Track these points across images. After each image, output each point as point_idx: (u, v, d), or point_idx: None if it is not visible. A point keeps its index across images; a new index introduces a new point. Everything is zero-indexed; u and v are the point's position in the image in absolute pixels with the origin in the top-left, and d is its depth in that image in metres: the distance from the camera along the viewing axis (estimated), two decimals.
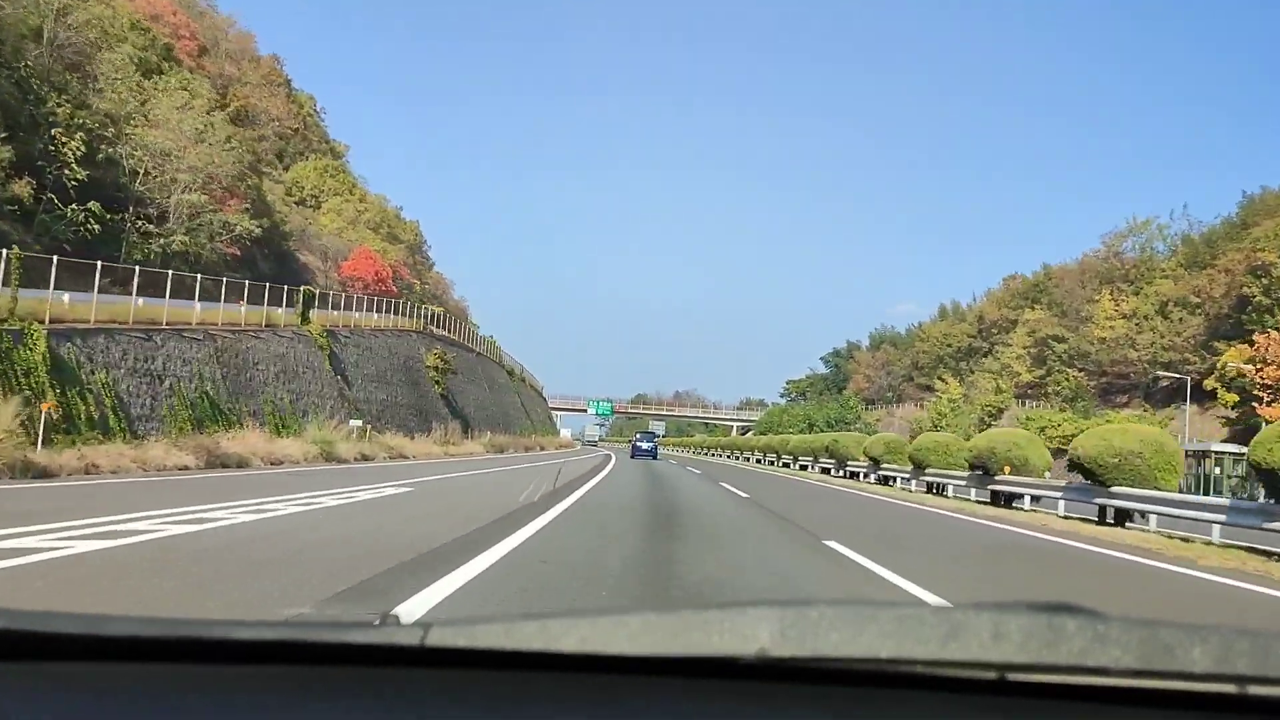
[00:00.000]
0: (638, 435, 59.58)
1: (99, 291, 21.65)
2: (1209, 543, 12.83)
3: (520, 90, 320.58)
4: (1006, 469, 20.39)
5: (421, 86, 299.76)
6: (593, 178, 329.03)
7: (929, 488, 26.53)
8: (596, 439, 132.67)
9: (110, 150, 30.10)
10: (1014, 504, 20.48)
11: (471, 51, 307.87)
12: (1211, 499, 16.21)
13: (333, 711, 0.86)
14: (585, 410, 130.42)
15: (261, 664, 0.90)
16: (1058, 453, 55.62)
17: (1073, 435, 53.36)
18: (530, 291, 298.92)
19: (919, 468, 26.27)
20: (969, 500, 22.62)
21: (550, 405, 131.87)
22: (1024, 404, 69.16)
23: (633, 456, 49.64)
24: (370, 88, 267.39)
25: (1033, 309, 77.77)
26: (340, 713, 0.86)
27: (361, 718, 0.85)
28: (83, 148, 27.66)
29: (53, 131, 27.44)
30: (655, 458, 50.73)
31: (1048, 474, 20.78)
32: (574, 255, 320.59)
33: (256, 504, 11.49)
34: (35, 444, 15.59)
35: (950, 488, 24.71)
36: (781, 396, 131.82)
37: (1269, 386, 44.61)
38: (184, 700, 0.87)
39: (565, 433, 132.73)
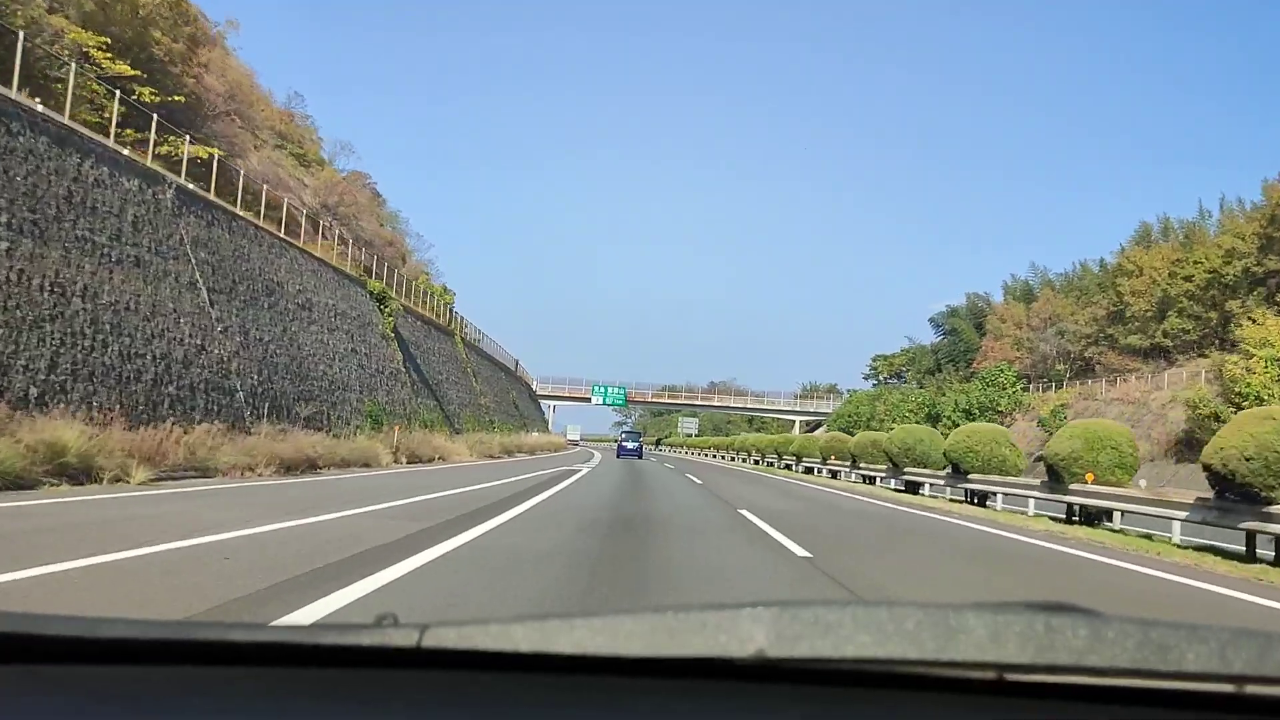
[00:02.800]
0: (622, 435, 62.94)
1: None
2: None
3: (541, 76, 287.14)
4: None
5: (429, 77, 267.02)
6: (615, 169, 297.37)
7: None
8: (579, 438, 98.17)
9: None
10: None
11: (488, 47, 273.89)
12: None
13: (328, 713, 0.86)
14: (590, 400, 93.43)
15: (256, 666, 0.89)
16: None
17: None
18: (543, 283, 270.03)
19: None
20: None
21: (540, 393, 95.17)
22: None
23: (619, 456, 50.33)
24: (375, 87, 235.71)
25: None
26: (335, 714, 0.85)
27: (357, 719, 0.85)
28: None
29: None
30: (640, 457, 51.32)
31: None
32: (592, 248, 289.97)
33: None
34: None
35: None
36: (866, 378, 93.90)
37: None
38: (179, 702, 0.87)
39: (556, 429, 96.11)
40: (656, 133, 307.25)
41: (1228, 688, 0.81)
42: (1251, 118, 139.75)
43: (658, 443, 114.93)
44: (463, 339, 48.08)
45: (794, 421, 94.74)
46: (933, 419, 67.29)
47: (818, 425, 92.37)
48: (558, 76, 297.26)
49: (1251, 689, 0.81)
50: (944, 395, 69.76)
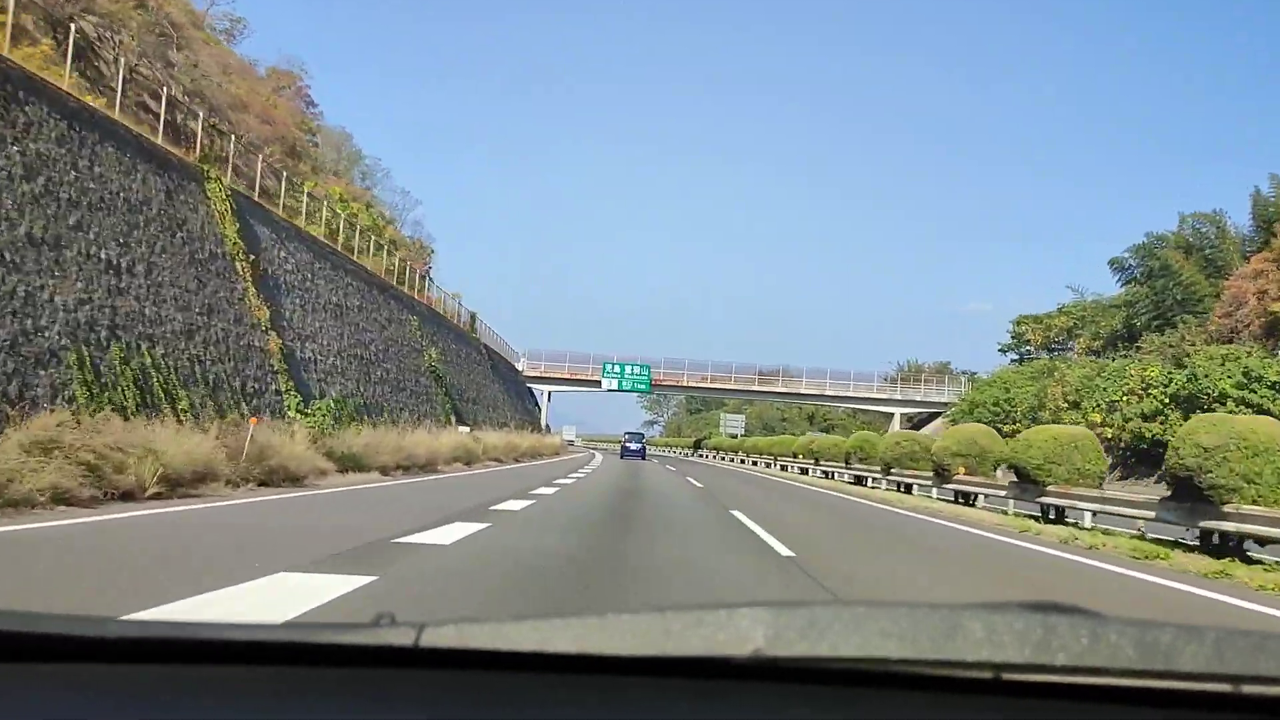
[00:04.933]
0: (626, 436, 60.94)
1: None
2: None
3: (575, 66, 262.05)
4: None
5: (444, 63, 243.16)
6: (648, 159, 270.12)
7: None
8: (574, 438, 78.48)
9: None
10: None
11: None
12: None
13: (327, 712, 0.86)
14: (599, 384, 65.30)
15: (255, 665, 0.90)
16: None
17: None
18: (557, 272, 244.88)
19: None
20: None
21: (530, 374, 67.38)
22: None
23: (622, 456, 51.33)
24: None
25: None
26: (334, 713, 0.86)
27: (355, 718, 0.86)
28: None
29: None
30: (643, 457, 51.91)
31: None
32: (620, 238, 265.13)
33: None
34: None
35: None
36: (1004, 350, 64.52)
37: None
38: (179, 701, 0.87)
39: (554, 424, 68.63)
40: (695, 122, 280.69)
41: (1224, 687, 0.81)
42: None
43: (697, 445, 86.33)
44: (232, 207, 19.34)
45: (893, 415, 65.99)
46: (1185, 402, 38.36)
47: (929, 419, 63.55)
48: (587, 66, 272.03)
49: (1248, 688, 0.80)
50: (1184, 366, 40.94)
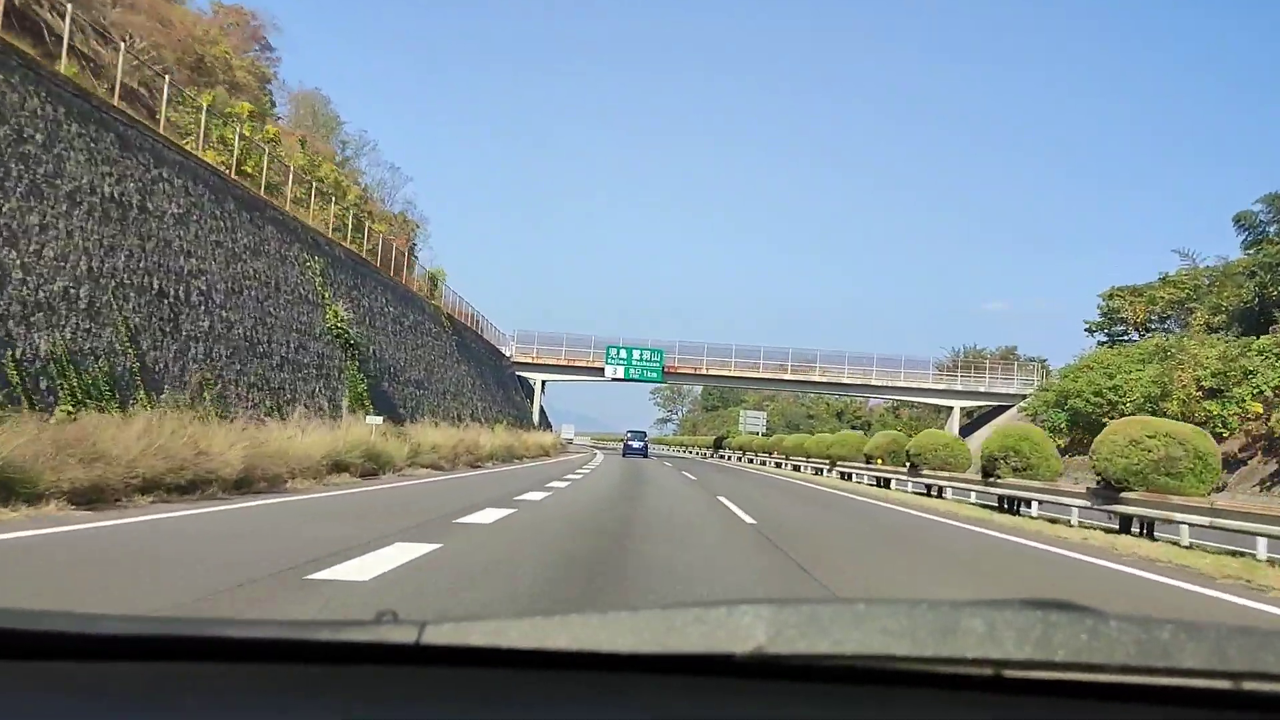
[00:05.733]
0: (629, 435, 58.30)
1: None
2: None
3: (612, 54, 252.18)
4: None
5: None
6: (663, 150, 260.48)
7: None
8: (573, 437, 70.80)
9: None
10: None
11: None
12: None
13: (327, 710, 0.86)
14: (602, 370, 55.02)
15: (255, 663, 0.90)
16: None
17: None
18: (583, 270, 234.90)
19: None
20: None
21: (519, 360, 57.05)
22: None
23: (624, 454, 51.49)
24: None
25: None
26: (335, 711, 0.86)
27: (357, 716, 0.86)
28: None
29: None
30: (645, 455, 52.01)
31: None
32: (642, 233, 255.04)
33: None
34: None
35: None
36: (1091, 331, 53.22)
37: None
38: (178, 699, 0.87)
39: (554, 419, 58.60)
40: (709, 113, 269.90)
41: (1225, 684, 0.81)
42: None
43: (718, 444, 75.71)
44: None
45: (951, 409, 55.23)
46: None
47: (992, 414, 52.83)
48: (594, 48, 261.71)
49: (1249, 685, 0.80)
50: None
